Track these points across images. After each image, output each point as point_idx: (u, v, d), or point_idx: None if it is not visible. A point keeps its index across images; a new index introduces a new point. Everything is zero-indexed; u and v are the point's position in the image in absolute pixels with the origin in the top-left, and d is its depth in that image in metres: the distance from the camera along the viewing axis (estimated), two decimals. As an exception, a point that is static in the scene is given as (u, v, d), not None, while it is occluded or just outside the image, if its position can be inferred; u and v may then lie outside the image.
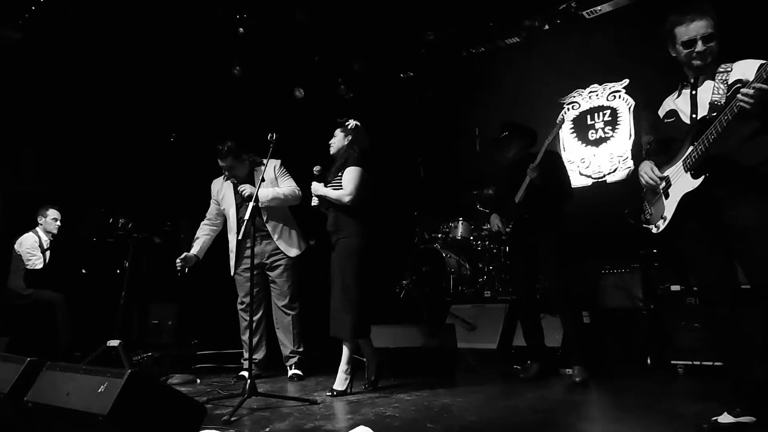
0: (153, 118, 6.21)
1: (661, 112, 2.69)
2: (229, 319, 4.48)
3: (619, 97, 6.19)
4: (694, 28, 2.43)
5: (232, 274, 4.31)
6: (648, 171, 2.59)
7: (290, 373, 4.19)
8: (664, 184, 2.54)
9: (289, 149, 4.44)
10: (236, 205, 4.25)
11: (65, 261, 4.99)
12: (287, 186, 4.26)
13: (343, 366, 3.49)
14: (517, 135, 4.07)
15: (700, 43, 2.43)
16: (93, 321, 4.74)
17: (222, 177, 4.36)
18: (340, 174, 3.65)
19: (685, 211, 2.46)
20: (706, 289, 2.54)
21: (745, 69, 2.35)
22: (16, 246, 4.92)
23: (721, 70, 2.42)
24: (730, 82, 2.37)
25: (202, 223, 4.43)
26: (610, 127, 6.25)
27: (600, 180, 6.22)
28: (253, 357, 3.92)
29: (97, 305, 4.82)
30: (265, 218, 4.22)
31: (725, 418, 2.34)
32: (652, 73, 5.82)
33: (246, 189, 4.06)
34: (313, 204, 3.72)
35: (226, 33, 5.95)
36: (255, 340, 4.18)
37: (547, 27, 6.17)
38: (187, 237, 5.35)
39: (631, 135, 6.09)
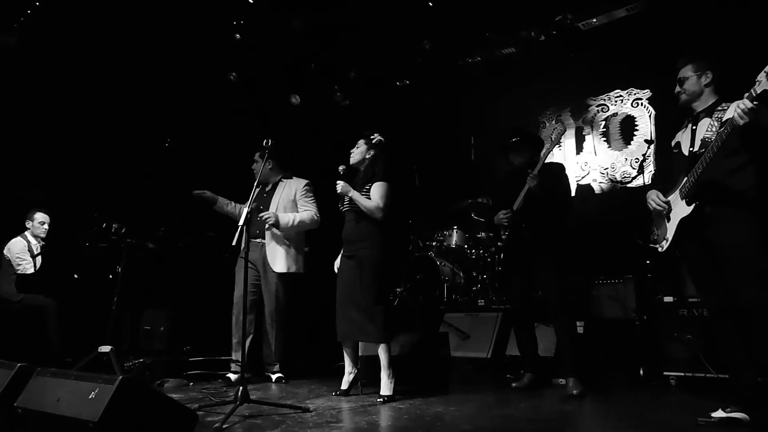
0: (148, 123, 6.20)
1: (673, 143, 3.03)
2: (222, 325, 4.46)
3: (641, 105, 6.22)
4: (678, 74, 2.93)
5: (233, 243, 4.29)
6: (654, 197, 2.91)
7: (273, 377, 4.29)
8: (668, 207, 2.86)
9: (286, 155, 4.46)
10: (249, 206, 4.26)
11: (57, 266, 4.94)
12: (306, 211, 4.38)
13: (384, 371, 3.51)
14: (528, 141, 4.08)
15: (677, 85, 2.92)
16: (84, 326, 4.70)
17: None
18: (367, 186, 3.72)
19: (683, 233, 2.78)
20: (707, 302, 2.90)
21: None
22: (5, 251, 4.88)
23: (719, 108, 2.74)
24: (723, 120, 2.65)
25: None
26: (604, 138, 6.32)
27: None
28: (237, 358, 4.06)
29: (88, 311, 4.78)
30: (267, 225, 4.26)
31: (718, 414, 2.64)
32: (653, 85, 5.94)
33: (270, 218, 4.17)
34: (339, 205, 3.81)
35: (223, 39, 5.95)
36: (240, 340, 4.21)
37: (543, 38, 6.21)
38: (188, 257, 5.35)
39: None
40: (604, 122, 6.42)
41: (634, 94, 6.26)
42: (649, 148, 4.81)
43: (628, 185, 6.12)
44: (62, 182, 5.63)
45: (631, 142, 6.21)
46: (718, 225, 2.66)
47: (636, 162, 6.11)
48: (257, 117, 6.54)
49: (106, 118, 5.89)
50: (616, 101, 6.40)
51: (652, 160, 5.96)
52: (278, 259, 4.29)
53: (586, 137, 6.47)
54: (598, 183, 6.30)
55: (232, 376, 4.23)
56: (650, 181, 5.86)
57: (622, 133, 6.27)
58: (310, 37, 6.07)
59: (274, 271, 4.28)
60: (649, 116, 6.10)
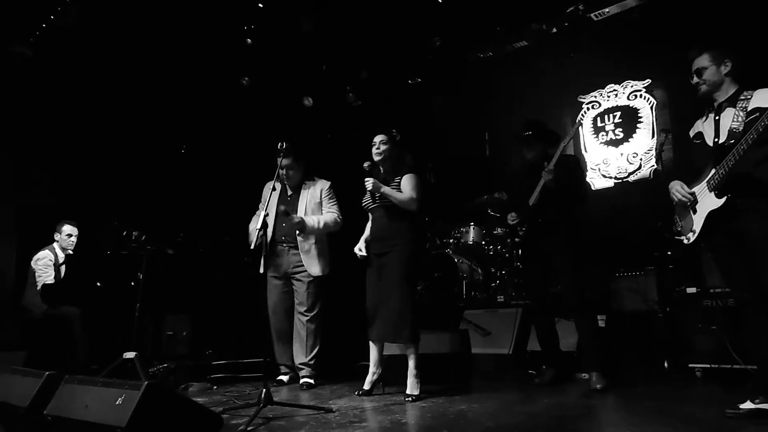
0: (164, 130, 6.27)
1: (692, 133, 2.98)
2: (244, 328, 4.50)
3: (640, 96, 6.15)
4: (694, 63, 2.87)
5: (261, 271, 4.19)
6: (679, 188, 2.87)
7: (301, 381, 4.21)
8: (692, 199, 2.83)
9: (301, 157, 4.47)
10: (275, 210, 4.28)
11: (80, 275, 5.02)
12: (329, 213, 4.36)
13: (412, 371, 3.52)
14: (539, 135, 4.01)
15: (694, 75, 2.86)
16: (109, 334, 4.77)
17: (273, 180, 4.34)
18: (397, 180, 3.69)
19: (711, 225, 2.76)
20: (736, 293, 2.86)
21: (764, 97, 2.60)
22: (32, 263, 4.95)
23: (742, 97, 2.69)
24: (749, 110, 2.62)
25: (256, 215, 4.43)
26: (621, 129, 6.26)
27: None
28: (287, 362, 4.19)
29: (112, 318, 4.85)
30: (297, 230, 4.27)
31: (747, 405, 2.60)
32: (667, 73, 5.87)
33: (299, 222, 4.14)
34: (364, 203, 3.79)
35: (234, 44, 6.00)
36: (284, 345, 4.32)
37: (555, 30, 6.15)
38: (208, 262, 5.40)
39: (654, 135, 6.04)
40: (598, 117, 6.38)
41: (632, 86, 6.21)
42: (666, 137, 4.73)
43: (625, 180, 6.08)
44: (81, 192, 5.71)
45: (633, 136, 6.15)
46: (748, 216, 2.62)
47: (634, 157, 6.08)
48: (271, 121, 6.58)
49: (122, 126, 5.97)
50: (609, 96, 6.37)
51: (653, 154, 5.92)
52: (314, 263, 4.27)
53: (580, 133, 6.43)
54: (588, 179, 6.26)
55: (284, 378, 4.33)
56: (651, 176, 5.88)
57: (622, 128, 6.21)
58: (321, 37, 6.08)
59: (310, 275, 4.25)
60: (651, 107, 6.04)
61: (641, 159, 6.03)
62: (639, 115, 6.12)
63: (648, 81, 6.08)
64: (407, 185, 3.65)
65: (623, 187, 6.10)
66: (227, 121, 6.55)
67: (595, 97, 6.47)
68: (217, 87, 6.36)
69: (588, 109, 6.44)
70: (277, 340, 4.36)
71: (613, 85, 6.36)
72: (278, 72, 6.54)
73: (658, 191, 5.60)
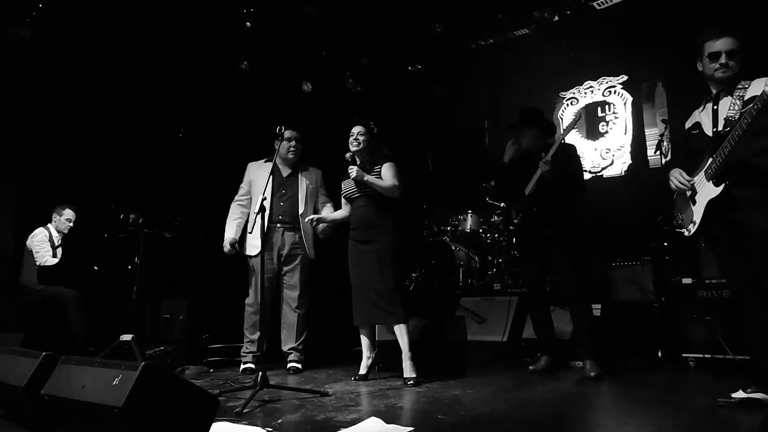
0: (162, 114, 6.23)
1: (688, 124, 2.95)
2: (241, 312, 4.51)
3: (615, 92, 6.18)
4: (721, 44, 2.71)
5: (254, 254, 4.21)
6: (678, 176, 2.83)
7: (288, 366, 4.22)
8: (691, 191, 2.80)
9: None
10: (271, 192, 4.24)
11: (77, 257, 5.02)
12: (329, 205, 4.40)
13: (406, 353, 3.57)
14: (531, 124, 4.00)
15: (724, 56, 2.70)
16: (106, 316, 4.78)
17: (261, 161, 4.39)
18: (377, 169, 3.74)
19: (711, 215, 2.72)
20: (733, 285, 2.85)
21: (761, 86, 2.57)
22: (28, 241, 4.96)
23: (740, 87, 2.67)
24: (745, 99, 2.60)
25: (234, 203, 4.42)
26: (607, 122, 6.28)
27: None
28: (253, 350, 4.13)
29: (109, 301, 4.85)
30: (301, 211, 4.27)
31: (739, 394, 2.64)
32: (657, 66, 5.86)
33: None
34: (347, 192, 3.84)
35: (234, 28, 5.95)
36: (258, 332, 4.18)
37: (556, 18, 6.11)
38: (205, 246, 5.40)
39: (627, 130, 6.07)
40: (598, 108, 6.39)
41: (607, 82, 6.20)
42: (666, 127, 4.71)
43: (599, 174, 6.11)
44: (79, 174, 5.69)
45: (609, 132, 6.16)
46: (746, 206, 2.60)
47: (606, 152, 6.10)
48: (270, 105, 6.54)
49: (120, 110, 5.93)
50: (586, 92, 6.37)
51: (628, 150, 5.94)
52: (310, 246, 4.32)
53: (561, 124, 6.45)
54: None
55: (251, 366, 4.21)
56: (624, 173, 5.90)
57: (599, 123, 6.24)
58: (321, 23, 6.03)
59: (306, 257, 4.28)
60: (624, 103, 6.05)
61: (613, 155, 6.06)
62: (614, 110, 6.14)
63: (624, 77, 6.10)
64: (388, 173, 3.72)
65: (597, 181, 6.13)
66: (226, 105, 6.52)
67: (572, 93, 6.49)
68: (216, 71, 6.32)
69: (572, 102, 6.46)
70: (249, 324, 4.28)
71: (590, 82, 6.40)
72: (278, 56, 6.50)
73: (631, 186, 5.67)
